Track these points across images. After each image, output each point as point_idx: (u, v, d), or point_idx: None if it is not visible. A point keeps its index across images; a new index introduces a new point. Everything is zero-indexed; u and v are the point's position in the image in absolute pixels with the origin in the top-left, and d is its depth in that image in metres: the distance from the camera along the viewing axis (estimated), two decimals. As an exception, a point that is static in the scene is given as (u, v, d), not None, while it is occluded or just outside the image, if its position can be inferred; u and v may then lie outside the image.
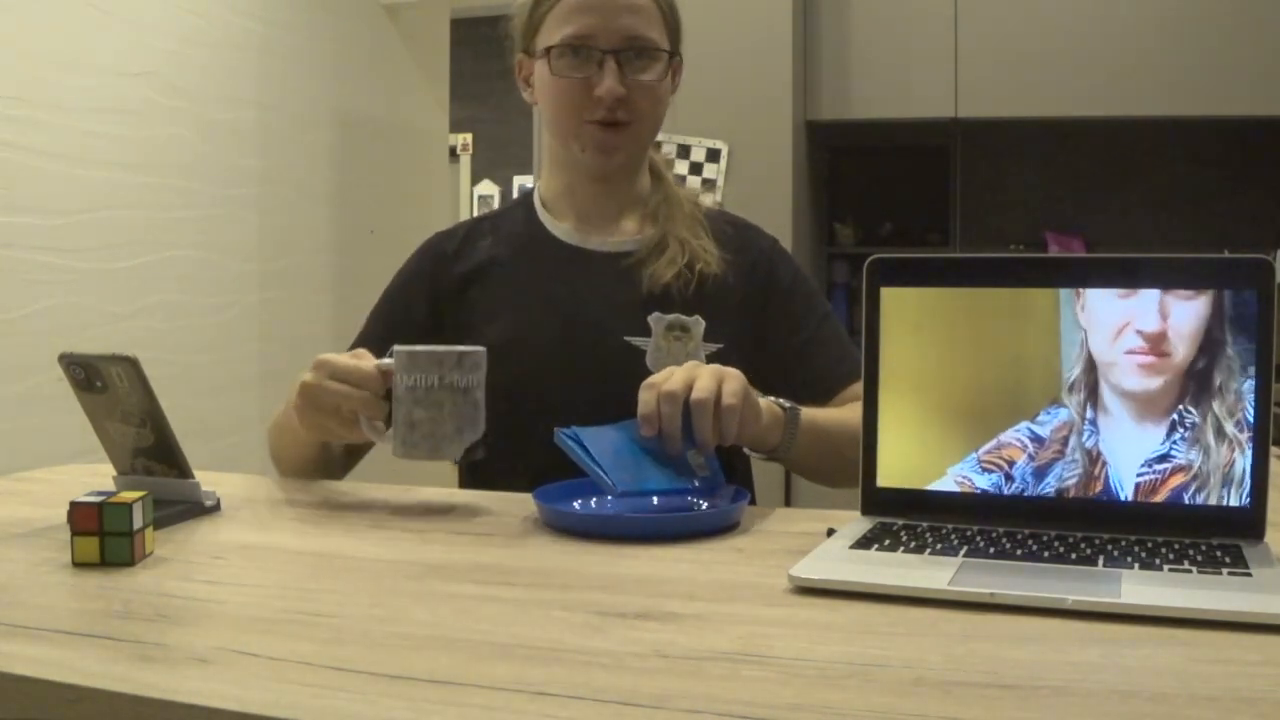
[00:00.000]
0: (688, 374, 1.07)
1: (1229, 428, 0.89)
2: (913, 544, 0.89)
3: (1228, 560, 0.82)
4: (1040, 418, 0.94)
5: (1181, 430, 0.90)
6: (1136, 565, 0.82)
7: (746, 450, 1.18)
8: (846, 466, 1.18)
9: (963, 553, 0.86)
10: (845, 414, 1.24)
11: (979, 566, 0.83)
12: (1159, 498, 0.91)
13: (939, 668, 0.65)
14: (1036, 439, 0.94)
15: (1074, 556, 0.84)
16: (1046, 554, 0.85)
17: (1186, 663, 0.65)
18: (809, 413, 1.18)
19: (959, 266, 1.02)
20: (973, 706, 0.59)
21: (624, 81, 1.27)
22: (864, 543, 0.90)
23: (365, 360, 1.11)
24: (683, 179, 3.30)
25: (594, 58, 1.26)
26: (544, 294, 1.33)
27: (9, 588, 0.83)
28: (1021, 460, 0.95)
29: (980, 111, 3.48)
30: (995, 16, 3.44)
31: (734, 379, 1.07)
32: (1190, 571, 0.80)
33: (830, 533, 0.94)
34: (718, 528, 1.01)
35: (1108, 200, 3.95)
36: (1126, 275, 0.93)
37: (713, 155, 3.34)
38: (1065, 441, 0.93)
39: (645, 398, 1.06)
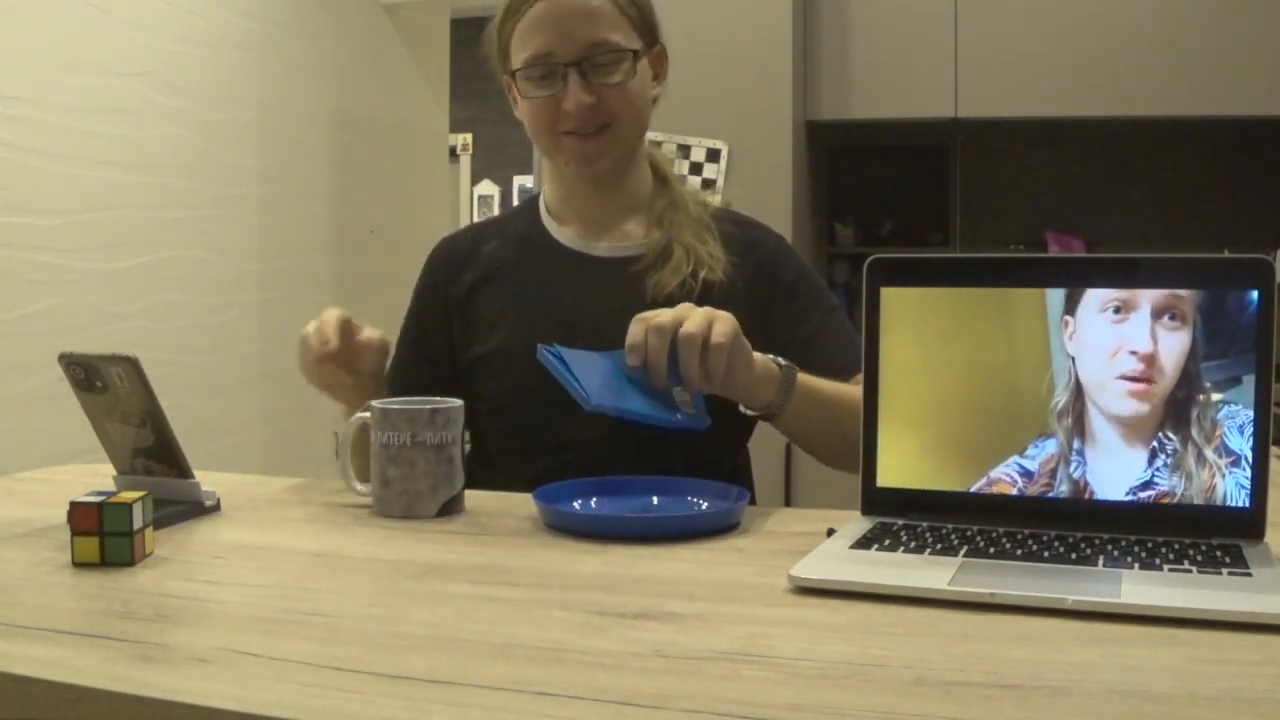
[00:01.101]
0: (680, 311, 1.08)
1: (1209, 453, 0.89)
2: (913, 544, 0.89)
3: (1228, 560, 0.82)
4: (1029, 451, 0.95)
5: (1163, 456, 0.91)
6: (1136, 565, 0.82)
7: (743, 409, 1.17)
8: (844, 444, 1.18)
9: (963, 553, 0.86)
10: (849, 388, 1.23)
11: (979, 566, 0.83)
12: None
13: (939, 668, 0.65)
14: (1026, 473, 0.95)
15: (1074, 556, 0.84)
16: (1046, 554, 0.85)
17: (1186, 663, 0.65)
18: (809, 378, 1.18)
19: (959, 266, 1.02)
20: (973, 706, 0.59)
21: (591, 89, 1.26)
22: (864, 543, 0.90)
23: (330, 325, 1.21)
24: (683, 179, 3.29)
25: (557, 72, 1.25)
26: (548, 299, 1.33)
27: (9, 588, 0.83)
28: (1011, 494, 0.95)
29: (980, 111, 3.48)
30: (995, 16, 3.44)
31: (725, 321, 1.08)
32: (1190, 571, 0.80)
33: (830, 533, 0.94)
34: (718, 528, 1.01)
35: (1108, 200, 3.95)
36: (1127, 275, 0.93)
37: (713, 155, 3.34)
38: (1053, 474, 0.94)
39: (634, 329, 1.08)
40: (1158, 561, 0.82)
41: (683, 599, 0.80)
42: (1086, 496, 0.93)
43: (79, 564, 0.89)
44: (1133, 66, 3.35)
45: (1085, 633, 0.70)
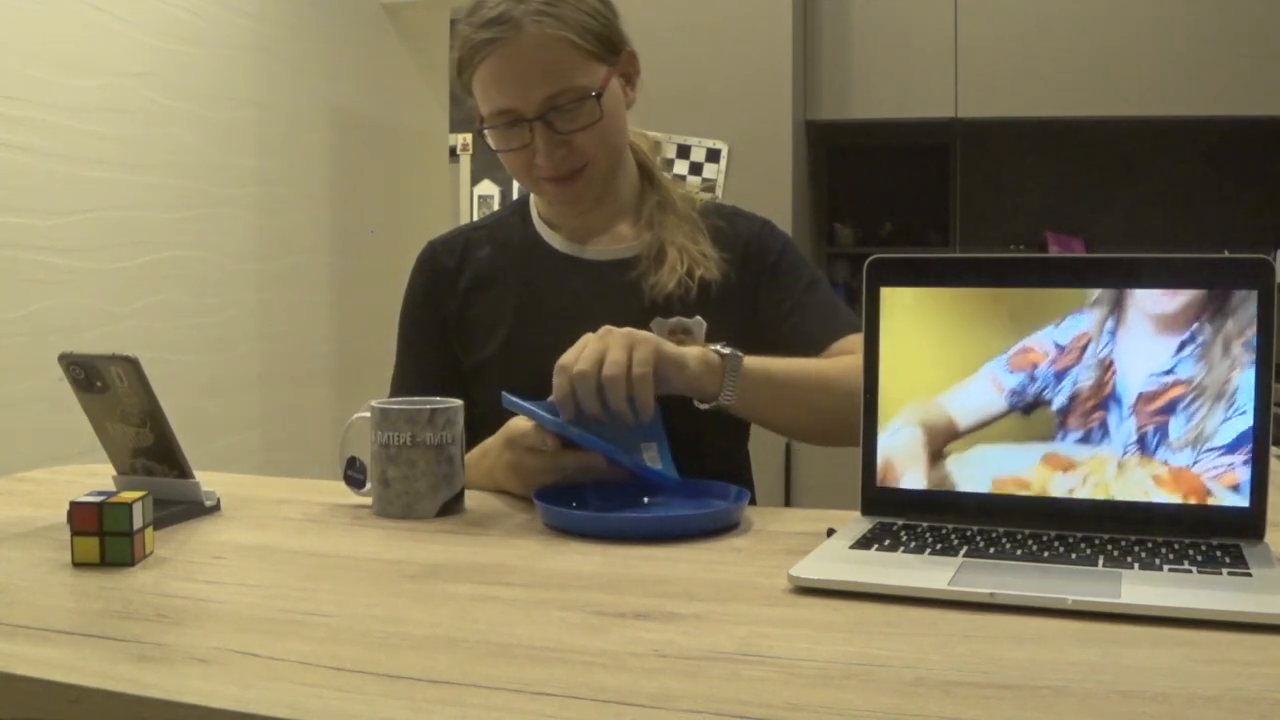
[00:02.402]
0: (598, 350, 1.06)
1: (1235, 348, 0.90)
2: (913, 544, 0.89)
3: (1228, 560, 0.82)
4: (1063, 324, 0.96)
5: (1190, 347, 0.92)
6: (1136, 565, 0.82)
7: (697, 404, 1.15)
8: (815, 419, 1.17)
9: (963, 553, 0.86)
10: (810, 362, 1.21)
11: (979, 566, 0.83)
12: (1157, 405, 0.92)
13: (939, 668, 0.65)
14: (1058, 346, 0.96)
15: (1074, 556, 0.84)
16: (1046, 554, 0.85)
17: (1186, 663, 0.65)
18: (762, 360, 1.16)
19: (959, 266, 1.02)
20: (973, 706, 0.59)
21: (560, 138, 1.23)
22: (864, 543, 0.90)
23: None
24: (683, 179, 3.29)
25: (524, 126, 1.23)
26: (545, 303, 1.33)
27: (9, 588, 0.83)
28: (1044, 364, 0.96)
29: (980, 111, 3.48)
30: (995, 16, 3.44)
31: (644, 345, 1.07)
32: (1190, 571, 0.80)
33: (830, 533, 0.95)
34: (718, 528, 1.01)
35: (1108, 200, 3.95)
36: (1126, 275, 0.93)
37: (713, 155, 3.34)
38: (1083, 350, 0.95)
39: (559, 382, 1.07)
40: (1158, 561, 0.82)
41: (683, 599, 0.80)
42: (1109, 376, 0.94)
43: (79, 564, 0.89)
44: (1133, 66, 3.35)
45: (1085, 633, 0.70)
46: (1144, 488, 0.92)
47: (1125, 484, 0.92)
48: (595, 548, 0.96)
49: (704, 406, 1.16)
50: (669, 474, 1.11)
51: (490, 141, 1.27)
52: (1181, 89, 3.32)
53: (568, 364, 1.07)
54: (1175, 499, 0.90)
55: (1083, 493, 0.93)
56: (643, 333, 1.09)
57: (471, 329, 1.35)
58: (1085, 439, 0.94)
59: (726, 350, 1.14)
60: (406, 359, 1.40)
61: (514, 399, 1.11)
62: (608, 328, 1.10)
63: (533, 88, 1.21)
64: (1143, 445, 0.92)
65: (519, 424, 1.14)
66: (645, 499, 1.12)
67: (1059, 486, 0.94)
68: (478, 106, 1.27)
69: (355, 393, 3.69)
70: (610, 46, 1.27)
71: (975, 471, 0.97)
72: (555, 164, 1.24)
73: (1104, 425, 0.94)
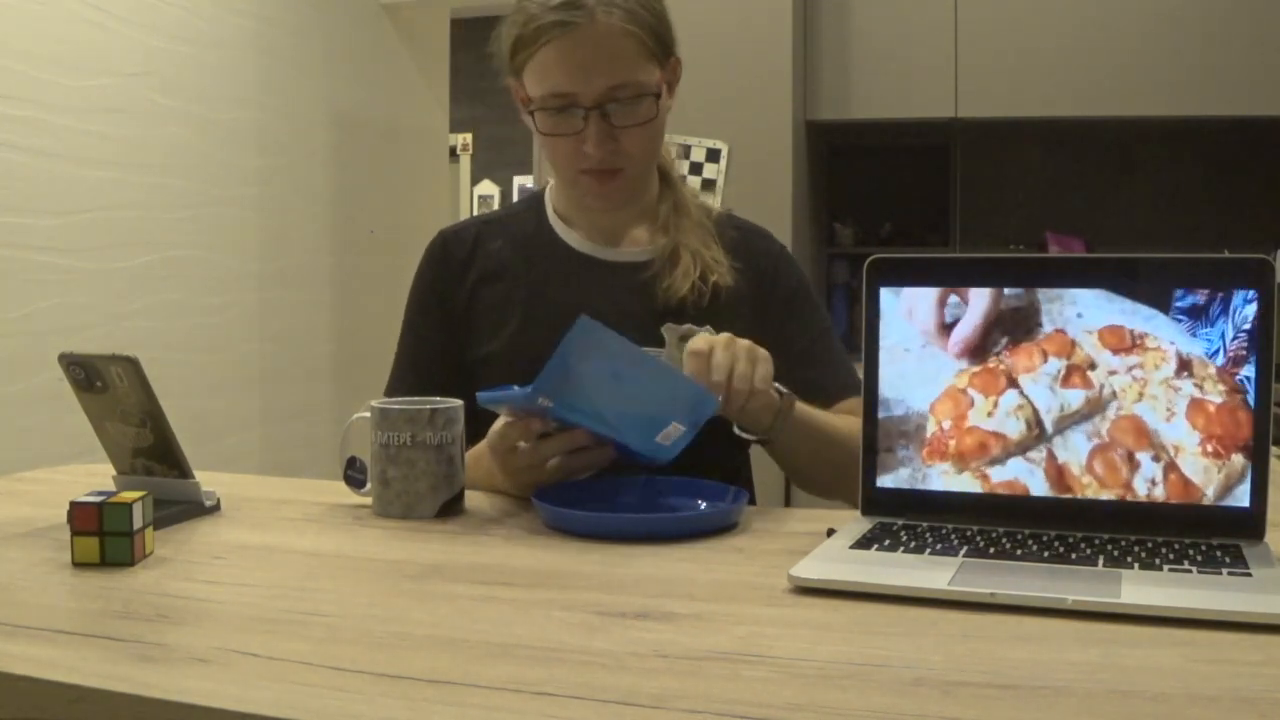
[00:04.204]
0: (727, 361, 1.08)
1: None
2: (913, 544, 0.89)
3: (1228, 560, 0.82)
4: None
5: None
6: (1136, 565, 0.82)
7: (738, 431, 1.16)
8: (835, 476, 1.18)
9: (963, 553, 0.86)
10: (841, 420, 1.23)
11: (979, 566, 0.83)
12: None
13: (939, 668, 0.65)
14: None
15: (1074, 556, 0.84)
16: (1046, 554, 0.85)
17: (1186, 663, 0.65)
18: (806, 408, 1.18)
19: (959, 266, 1.02)
20: (973, 706, 0.59)
21: (612, 132, 1.23)
22: (864, 543, 0.90)
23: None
24: (683, 179, 3.29)
25: (578, 113, 1.22)
26: (557, 301, 1.32)
27: (9, 588, 0.83)
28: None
29: (980, 111, 3.47)
30: (995, 16, 3.44)
31: (765, 363, 1.10)
32: (1190, 571, 0.80)
33: (830, 533, 0.94)
34: (717, 528, 1.01)
35: (1108, 200, 3.95)
36: (1126, 275, 0.93)
37: (713, 155, 3.34)
38: None
39: (693, 363, 1.08)
40: (1158, 561, 0.82)
41: (683, 599, 0.80)
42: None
43: (79, 564, 0.89)
44: (1133, 66, 3.35)
45: (1085, 633, 0.71)
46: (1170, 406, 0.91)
47: (1152, 402, 0.92)
48: (595, 548, 0.96)
49: (745, 436, 1.17)
50: (662, 453, 1.06)
51: (538, 124, 1.26)
52: (1181, 89, 3.32)
53: (702, 355, 1.08)
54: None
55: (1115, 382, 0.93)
56: (763, 351, 1.11)
57: (478, 321, 1.35)
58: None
59: (784, 390, 1.15)
60: (408, 347, 1.40)
61: (484, 394, 1.10)
62: (730, 337, 1.11)
63: (596, 76, 1.21)
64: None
65: (498, 427, 1.13)
66: (646, 499, 1.12)
67: (1106, 363, 0.93)
68: (521, 86, 1.27)
69: (355, 393, 3.69)
70: (666, 50, 1.28)
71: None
72: (603, 156, 1.24)
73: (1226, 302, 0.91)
